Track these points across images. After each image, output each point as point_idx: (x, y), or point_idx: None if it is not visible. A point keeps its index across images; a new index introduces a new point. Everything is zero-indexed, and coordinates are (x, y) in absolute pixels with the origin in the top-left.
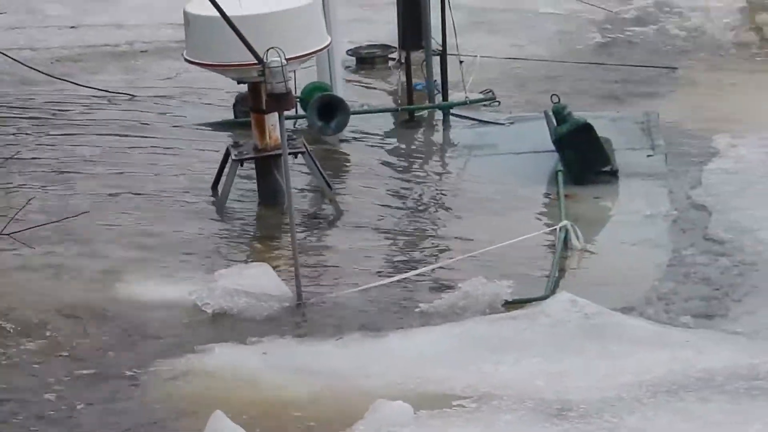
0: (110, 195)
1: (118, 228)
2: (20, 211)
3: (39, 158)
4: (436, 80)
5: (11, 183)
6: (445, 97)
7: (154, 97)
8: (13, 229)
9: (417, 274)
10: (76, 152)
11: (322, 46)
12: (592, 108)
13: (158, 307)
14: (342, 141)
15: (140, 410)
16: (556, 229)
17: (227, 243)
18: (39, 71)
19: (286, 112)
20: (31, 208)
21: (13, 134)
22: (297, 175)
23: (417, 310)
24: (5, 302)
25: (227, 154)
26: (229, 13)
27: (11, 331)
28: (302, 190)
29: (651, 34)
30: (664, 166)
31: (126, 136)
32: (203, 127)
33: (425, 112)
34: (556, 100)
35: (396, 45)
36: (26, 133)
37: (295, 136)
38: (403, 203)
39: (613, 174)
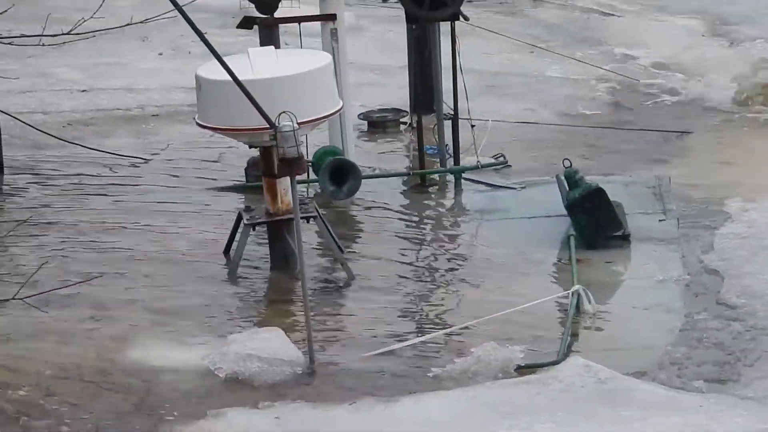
0: (123, 258)
1: (131, 292)
2: (34, 274)
3: (52, 221)
4: (447, 144)
5: (25, 246)
6: (456, 162)
7: (166, 160)
8: (26, 293)
9: (429, 339)
10: (88, 216)
11: (334, 111)
12: (604, 172)
13: (171, 371)
14: (354, 205)
15: None
16: (568, 293)
17: (239, 307)
18: (50, 135)
19: (297, 177)
20: (44, 271)
21: (26, 198)
22: (309, 240)
23: (429, 374)
24: (17, 367)
25: (239, 219)
26: (240, 77)
27: (24, 396)
28: (314, 254)
29: (661, 98)
30: (676, 230)
31: (138, 199)
32: (215, 191)
33: (437, 177)
34: (567, 164)
35: (407, 109)
36: (38, 197)
37: (306, 201)
38: (416, 267)
39: (625, 238)
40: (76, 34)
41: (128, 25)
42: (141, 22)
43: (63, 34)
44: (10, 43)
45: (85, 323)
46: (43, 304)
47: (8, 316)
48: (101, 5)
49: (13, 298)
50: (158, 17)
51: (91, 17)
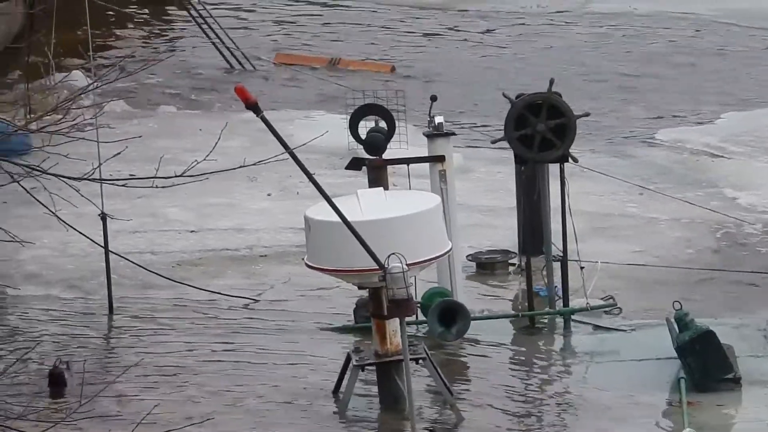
0: (233, 398)
1: None
2: (146, 416)
3: (162, 362)
4: (556, 286)
5: (136, 387)
6: (565, 303)
7: (274, 301)
8: None
9: None
10: (197, 356)
11: (443, 252)
12: (715, 315)
13: None
14: (463, 347)
15: None
16: None
17: None
18: (159, 275)
19: (406, 318)
20: (157, 412)
21: (136, 339)
22: (418, 380)
23: None
24: None
25: (348, 360)
26: (350, 218)
27: None
28: (423, 395)
29: None
30: None
31: (246, 339)
32: (324, 332)
33: (546, 318)
34: (678, 306)
35: (516, 250)
36: (147, 338)
37: (416, 342)
38: (525, 410)
39: (736, 381)
40: (189, 176)
41: (241, 167)
42: (253, 165)
43: (176, 176)
44: (124, 185)
45: None
46: None
47: None
48: (213, 148)
49: None
50: (270, 160)
51: (204, 159)
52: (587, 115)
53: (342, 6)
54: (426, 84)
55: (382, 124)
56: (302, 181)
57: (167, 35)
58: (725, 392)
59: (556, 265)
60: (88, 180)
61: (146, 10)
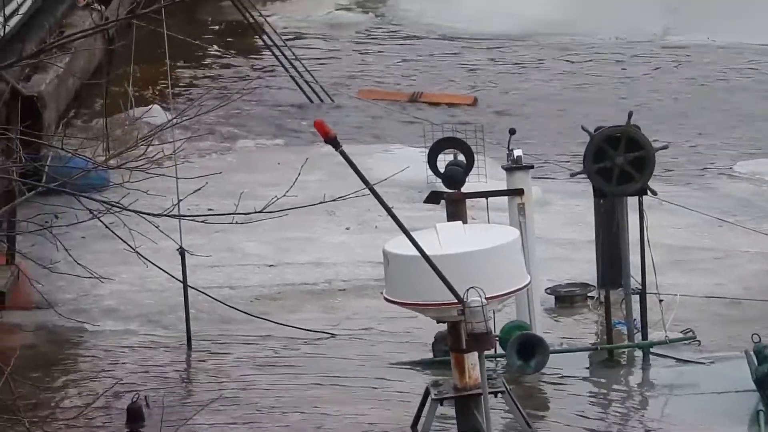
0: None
1: None
2: None
3: (240, 398)
4: (635, 319)
5: (216, 425)
6: (644, 336)
7: (352, 335)
8: None
9: None
10: (275, 392)
11: (522, 286)
12: None
13: None
14: (541, 380)
15: None
16: None
17: None
18: (238, 310)
19: (485, 352)
20: None
21: (214, 373)
22: (497, 414)
23: None
24: None
25: (427, 394)
26: (428, 252)
27: None
28: (502, 429)
29: None
30: None
31: (324, 373)
32: (402, 366)
33: (625, 351)
34: (756, 339)
35: (595, 283)
36: (226, 373)
37: (494, 375)
38: None
39: None
40: (269, 212)
41: (321, 203)
42: (333, 200)
43: (256, 212)
44: (203, 221)
45: None
46: None
47: None
48: (294, 183)
49: None
50: (350, 195)
51: (285, 195)
52: (666, 147)
53: (422, 39)
54: (505, 117)
55: (461, 157)
56: (380, 214)
57: (247, 70)
58: None
59: (635, 298)
60: (168, 216)
61: (225, 42)
